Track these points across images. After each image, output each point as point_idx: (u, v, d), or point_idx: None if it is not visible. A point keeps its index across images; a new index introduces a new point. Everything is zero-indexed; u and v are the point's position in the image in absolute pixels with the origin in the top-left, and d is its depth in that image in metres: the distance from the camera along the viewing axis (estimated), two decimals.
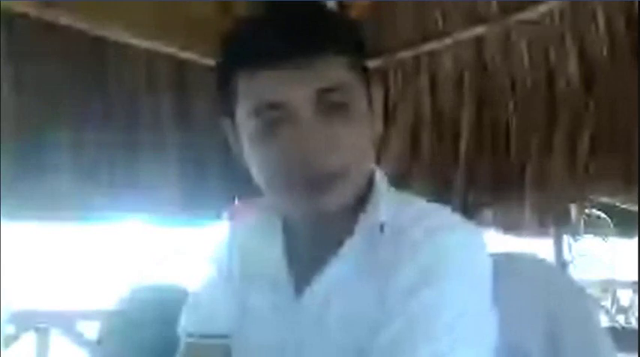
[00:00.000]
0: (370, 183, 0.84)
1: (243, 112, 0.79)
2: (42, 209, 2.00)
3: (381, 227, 0.80)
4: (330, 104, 0.76)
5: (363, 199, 0.83)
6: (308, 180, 0.76)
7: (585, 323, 0.90)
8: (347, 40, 0.80)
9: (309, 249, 0.85)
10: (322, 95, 0.76)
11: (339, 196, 0.78)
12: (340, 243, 0.81)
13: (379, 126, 0.86)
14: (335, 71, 0.77)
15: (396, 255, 0.77)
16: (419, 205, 0.84)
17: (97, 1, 2.09)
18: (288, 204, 0.81)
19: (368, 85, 0.83)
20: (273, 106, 0.76)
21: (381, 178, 0.86)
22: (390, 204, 0.82)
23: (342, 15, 0.91)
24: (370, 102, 0.83)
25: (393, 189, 0.87)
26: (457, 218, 0.81)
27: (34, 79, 2.00)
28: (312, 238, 0.85)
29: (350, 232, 0.81)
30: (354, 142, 0.78)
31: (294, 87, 0.75)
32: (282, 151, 0.76)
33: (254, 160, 0.80)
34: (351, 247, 0.80)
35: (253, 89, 0.77)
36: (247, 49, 0.77)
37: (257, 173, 0.80)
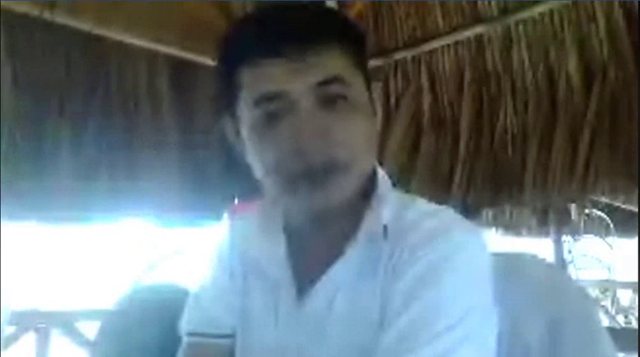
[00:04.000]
0: (372, 182, 0.84)
1: (244, 104, 0.80)
2: (42, 209, 2.00)
3: (385, 232, 0.79)
4: (330, 96, 0.77)
5: (365, 200, 0.82)
6: (308, 171, 0.76)
7: (585, 323, 0.90)
8: (346, 34, 0.81)
9: (312, 250, 0.84)
10: (322, 87, 0.76)
11: (340, 190, 0.77)
12: (343, 245, 0.81)
13: (378, 123, 0.86)
14: (335, 64, 0.77)
15: (399, 257, 0.77)
16: (420, 207, 0.83)
17: (97, 1, 2.09)
18: (289, 198, 0.81)
19: (368, 80, 0.83)
20: (274, 96, 0.76)
21: (383, 179, 0.86)
22: (392, 206, 0.82)
23: (341, 11, 0.92)
24: (371, 97, 0.83)
25: (395, 189, 0.87)
26: (458, 219, 0.81)
27: (34, 79, 2.00)
28: (315, 239, 0.85)
29: (353, 234, 0.81)
30: (354, 134, 0.78)
31: (294, 78, 0.76)
32: (281, 142, 0.76)
33: (254, 153, 0.80)
34: (355, 249, 0.80)
35: (254, 81, 0.78)
36: (249, 42, 0.78)
37: (257, 167, 0.80)
